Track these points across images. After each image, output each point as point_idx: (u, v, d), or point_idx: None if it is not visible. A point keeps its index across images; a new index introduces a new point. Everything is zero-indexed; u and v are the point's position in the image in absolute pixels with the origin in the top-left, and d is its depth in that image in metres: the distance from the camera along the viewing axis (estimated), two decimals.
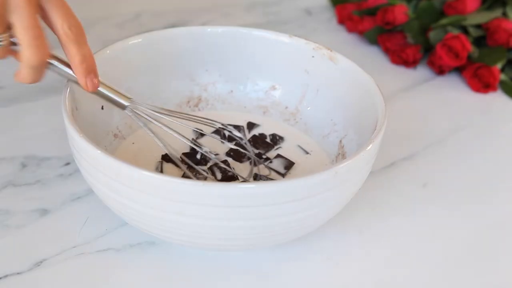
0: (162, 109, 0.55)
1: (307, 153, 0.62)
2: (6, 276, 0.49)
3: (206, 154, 0.58)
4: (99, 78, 0.51)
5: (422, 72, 0.84)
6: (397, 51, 0.84)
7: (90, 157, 0.46)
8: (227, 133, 0.62)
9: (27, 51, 0.46)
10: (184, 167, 0.56)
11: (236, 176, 0.57)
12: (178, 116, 0.56)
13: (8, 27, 0.46)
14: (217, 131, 0.62)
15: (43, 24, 0.48)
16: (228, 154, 0.60)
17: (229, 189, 0.43)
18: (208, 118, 0.58)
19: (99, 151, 0.45)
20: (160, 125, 0.54)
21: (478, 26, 0.83)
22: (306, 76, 0.63)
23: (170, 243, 0.52)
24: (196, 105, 0.66)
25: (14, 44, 0.47)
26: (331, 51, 0.61)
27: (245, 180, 0.56)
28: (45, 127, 0.65)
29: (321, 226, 0.52)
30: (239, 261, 0.53)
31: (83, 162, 0.47)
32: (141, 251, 0.53)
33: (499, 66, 0.80)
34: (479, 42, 0.83)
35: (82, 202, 0.57)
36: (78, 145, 0.47)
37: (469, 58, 0.81)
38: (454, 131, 0.73)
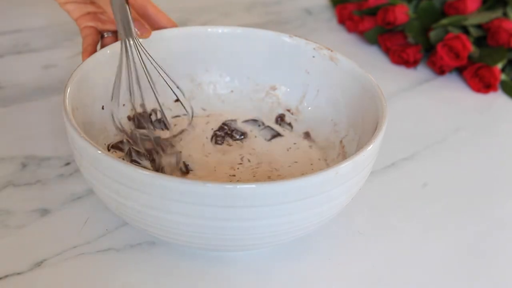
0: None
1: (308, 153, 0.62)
2: (6, 276, 0.49)
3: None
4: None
5: (422, 72, 0.84)
6: (398, 51, 0.84)
7: (90, 157, 0.46)
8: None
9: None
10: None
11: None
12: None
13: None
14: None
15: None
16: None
17: (229, 189, 0.43)
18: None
19: (99, 151, 0.45)
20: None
21: (479, 26, 0.83)
22: (307, 76, 0.63)
23: (170, 243, 0.52)
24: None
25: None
26: (331, 51, 0.61)
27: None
28: (45, 127, 0.65)
29: (321, 226, 0.52)
30: (239, 261, 0.53)
31: (83, 162, 0.47)
32: (141, 251, 0.53)
33: (499, 66, 0.80)
34: (479, 42, 0.83)
35: (82, 202, 0.57)
36: (78, 145, 0.47)
37: (470, 58, 0.81)
38: (454, 131, 0.73)
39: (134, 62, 0.58)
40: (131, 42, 0.57)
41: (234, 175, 0.58)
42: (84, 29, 0.63)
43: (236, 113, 0.65)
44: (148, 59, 0.59)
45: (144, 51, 0.58)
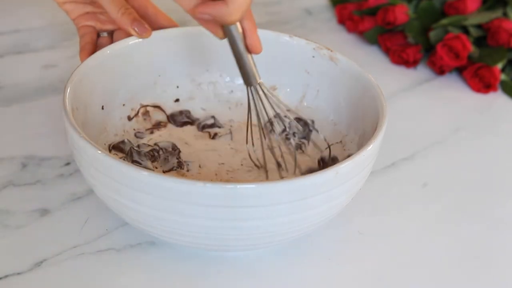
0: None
1: (308, 153, 0.62)
2: (6, 276, 0.49)
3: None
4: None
5: (422, 72, 0.84)
6: (398, 51, 0.84)
7: (90, 157, 0.46)
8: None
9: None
10: None
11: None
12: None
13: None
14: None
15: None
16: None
17: (229, 189, 0.43)
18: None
19: (99, 152, 0.45)
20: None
21: (479, 26, 0.83)
22: (307, 76, 0.63)
23: (170, 243, 0.52)
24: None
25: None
26: (331, 51, 0.61)
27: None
28: (45, 127, 0.65)
29: (321, 226, 0.52)
30: (239, 261, 0.53)
31: (83, 162, 0.47)
32: (141, 251, 0.53)
33: (499, 66, 0.80)
34: (479, 42, 0.83)
35: (82, 202, 0.57)
36: (78, 145, 0.47)
37: (470, 58, 0.81)
38: (454, 131, 0.73)
39: (258, 107, 0.55)
40: (254, 89, 0.54)
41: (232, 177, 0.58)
42: (82, 28, 0.63)
43: (236, 113, 0.65)
44: (273, 101, 0.56)
45: (269, 94, 0.55)
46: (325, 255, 0.54)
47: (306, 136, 0.62)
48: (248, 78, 0.54)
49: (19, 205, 0.56)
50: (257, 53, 0.53)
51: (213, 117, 0.64)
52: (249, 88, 0.54)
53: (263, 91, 0.54)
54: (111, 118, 0.60)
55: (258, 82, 0.54)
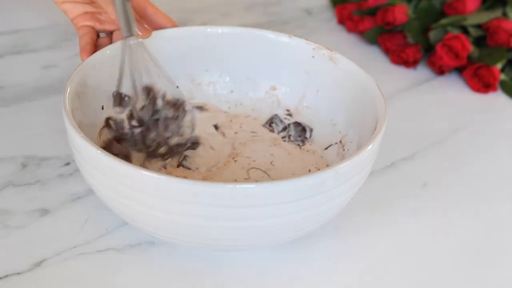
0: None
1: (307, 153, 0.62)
2: (6, 276, 0.49)
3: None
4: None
5: (422, 72, 0.84)
6: (397, 51, 0.84)
7: (90, 157, 0.46)
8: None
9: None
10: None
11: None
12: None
13: None
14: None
15: None
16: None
17: (229, 189, 0.43)
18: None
19: (99, 151, 0.45)
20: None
21: (478, 26, 0.83)
22: (306, 76, 0.63)
23: (170, 243, 0.52)
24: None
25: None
26: (331, 51, 0.61)
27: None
28: (45, 127, 0.65)
29: (321, 226, 0.52)
30: (239, 261, 0.53)
31: (83, 162, 0.47)
32: (141, 251, 0.53)
33: (499, 66, 0.80)
34: (479, 42, 0.83)
35: (82, 202, 0.57)
36: (78, 145, 0.47)
37: (469, 58, 0.81)
38: (454, 131, 0.73)
39: (135, 61, 0.57)
40: (132, 40, 0.56)
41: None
42: (81, 28, 0.63)
43: (236, 113, 0.65)
44: (150, 58, 0.58)
45: (146, 50, 0.57)
46: (325, 255, 0.54)
47: (302, 141, 0.63)
48: (130, 28, 0.55)
49: (19, 205, 0.56)
50: None
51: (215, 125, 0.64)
52: (123, 40, 0.56)
53: (139, 46, 0.56)
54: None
55: (132, 34, 0.55)
